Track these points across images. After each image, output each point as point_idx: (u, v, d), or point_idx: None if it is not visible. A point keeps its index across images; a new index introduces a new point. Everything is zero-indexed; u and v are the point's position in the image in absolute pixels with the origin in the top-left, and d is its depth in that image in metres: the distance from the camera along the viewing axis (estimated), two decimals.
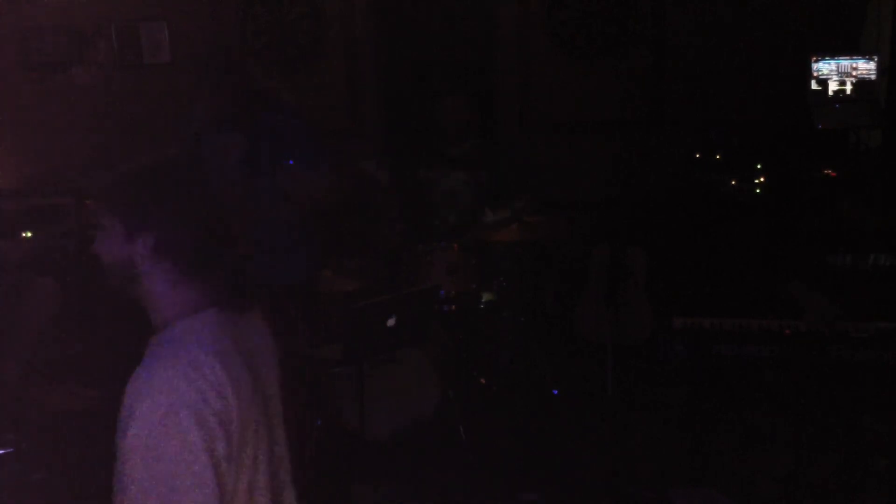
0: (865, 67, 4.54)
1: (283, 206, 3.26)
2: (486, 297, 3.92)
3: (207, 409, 1.44)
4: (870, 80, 4.54)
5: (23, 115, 5.04)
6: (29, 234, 4.30)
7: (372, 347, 2.78)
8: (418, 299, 2.94)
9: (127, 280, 1.58)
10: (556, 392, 4.09)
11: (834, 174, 4.29)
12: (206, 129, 3.32)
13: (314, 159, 3.26)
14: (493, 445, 3.67)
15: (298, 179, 3.22)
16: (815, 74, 4.57)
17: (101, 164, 4.79)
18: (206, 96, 3.19)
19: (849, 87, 4.56)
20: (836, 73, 4.57)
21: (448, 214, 4.26)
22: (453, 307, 3.86)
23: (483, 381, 4.08)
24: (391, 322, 2.75)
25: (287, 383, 1.74)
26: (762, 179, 4.45)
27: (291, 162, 3.18)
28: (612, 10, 4.92)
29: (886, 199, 3.02)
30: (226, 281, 1.60)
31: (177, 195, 1.61)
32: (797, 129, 4.59)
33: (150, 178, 1.62)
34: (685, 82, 4.90)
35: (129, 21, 5.07)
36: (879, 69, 4.52)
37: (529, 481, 3.39)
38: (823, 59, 4.57)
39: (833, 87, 4.57)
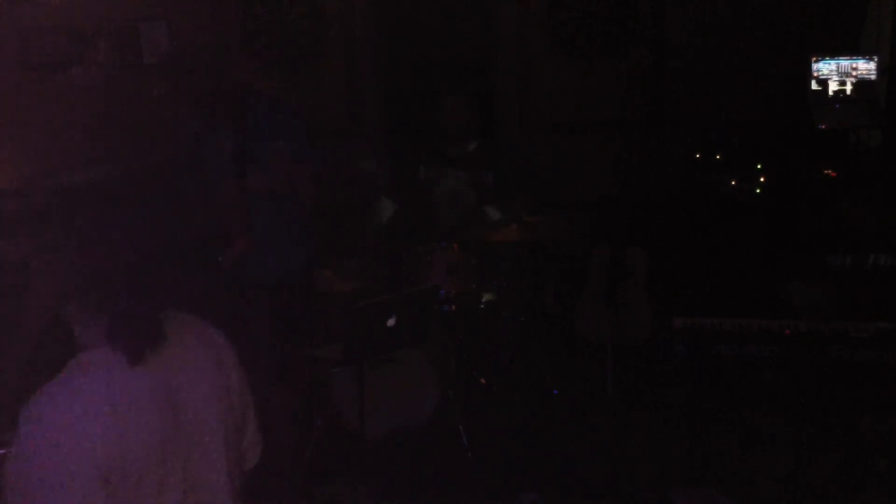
0: (865, 67, 4.54)
1: (279, 205, 3.25)
2: (486, 297, 3.92)
3: (92, 453, 1.43)
4: (870, 80, 4.54)
5: (23, 115, 5.04)
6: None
7: (372, 347, 2.78)
8: (418, 299, 2.94)
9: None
10: (556, 392, 4.09)
11: (834, 174, 4.29)
12: (201, 128, 3.33)
13: (302, 154, 3.26)
14: (493, 445, 3.67)
15: (284, 174, 3.21)
16: (815, 74, 4.57)
17: (101, 164, 4.79)
18: (200, 95, 3.19)
19: (849, 87, 4.56)
20: (836, 73, 4.57)
21: (448, 214, 4.26)
22: (453, 307, 3.86)
23: (483, 381, 4.08)
24: (391, 322, 2.75)
25: (228, 412, 1.69)
26: (762, 179, 4.45)
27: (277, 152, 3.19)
28: (612, 10, 4.92)
29: (886, 199, 3.02)
30: (120, 321, 1.51)
31: (79, 225, 1.54)
32: (797, 129, 4.59)
33: (65, 200, 1.58)
34: (685, 82, 4.90)
35: (128, 21, 5.07)
36: (879, 69, 4.53)
37: (529, 481, 3.39)
38: (823, 59, 4.57)
39: (833, 87, 4.57)
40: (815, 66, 4.57)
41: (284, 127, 3.24)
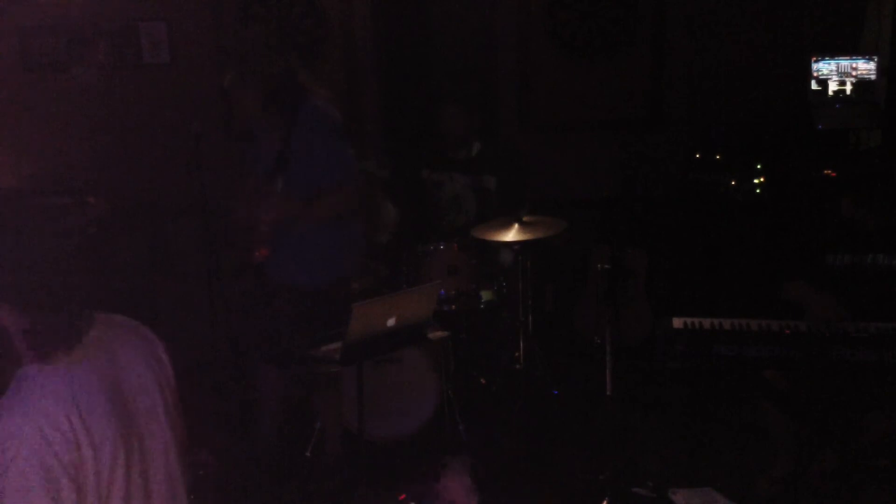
0: (865, 67, 4.54)
1: (314, 206, 3.22)
2: (486, 297, 3.92)
3: (54, 460, 1.43)
4: (870, 80, 4.54)
5: (23, 115, 5.03)
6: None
7: (372, 347, 2.78)
8: (418, 299, 2.94)
9: None
10: (556, 392, 4.09)
11: (834, 174, 4.29)
12: (250, 125, 3.31)
13: (343, 159, 3.25)
14: (493, 445, 3.67)
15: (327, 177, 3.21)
16: (815, 74, 4.57)
17: (100, 164, 4.79)
18: (249, 92, 3.18)
19: (849, 87, 4.56)
20: (836, 73, 4.57)
21: (448, 215, 4.26)
22: (453, 307, 3.86)
23: (483, 381, 4.08)
24: (391, 322, 2.75)
25: (169, 402, 1.75)
26: (762, 179, 4.45)
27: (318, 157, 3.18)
28: (612, 10, 4.92)
29: (886, 199, 3.02)
30: (36, 323, 1.52)
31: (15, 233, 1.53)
32: (797, 129, 4.59)
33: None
34: (685, 82, 4.90)
35: (128, 21, 5.07)
36: (879, 69, 4.53)
37: (529, 481, 3.40)
38: (823, 59, 4.57)
39: (833, 87, 4.58)
40: (815, 66, 4.57)
41: (329, 130, 3.23)
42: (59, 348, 1.54)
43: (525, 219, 3.78)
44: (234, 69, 3.18)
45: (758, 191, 4.45)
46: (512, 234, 3.71)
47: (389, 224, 4.34)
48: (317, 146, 3.18)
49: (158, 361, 1.76)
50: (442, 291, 3.78)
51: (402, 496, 3.29)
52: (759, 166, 4.47)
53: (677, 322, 2.91)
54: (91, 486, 1.49)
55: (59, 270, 1.55)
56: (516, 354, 4.09)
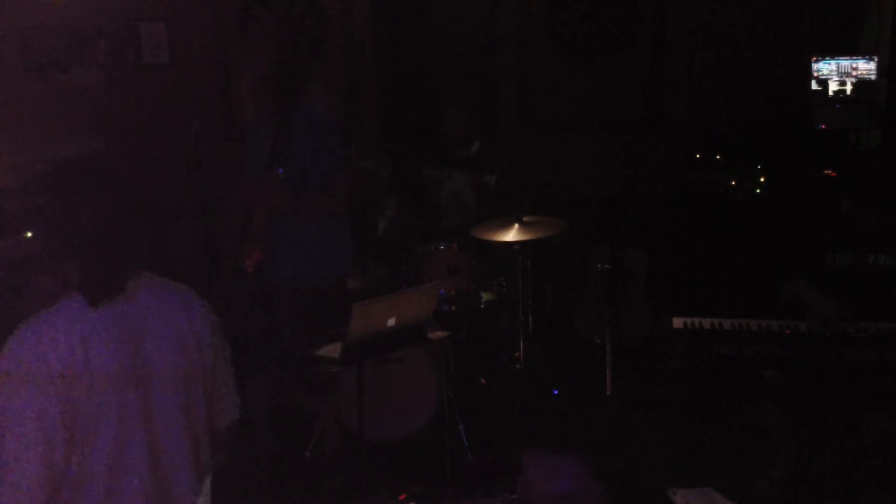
0: (865, 67, 4.54)
1: (307, 202, 3.24)
2: (486, 297, 3.92)
3: (50, 388, 1.65)
4: (870, 80, 4.54)
5: (23, 115, 5.04)
6: (29, 235, 4.29)
7: (372, 347, 2.78)
8: (418, 299, 2.94)
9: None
10: (556, 392, 4.09)
11: (834, 174, 4.29)
12: (246, 123, 3.34)
13: (337, 157, 3.27)
14: (493, 445, 3.67)
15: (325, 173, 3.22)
16: (815, 74, 4.57)
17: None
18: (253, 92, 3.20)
19: (849, 87, 4.56)
20: (836, 73, 4.57)
21: (449, 215, 4.26)
22: (453, 307, 3.86)
23: (483, 381, 4.08)
24: (391, 322, 2.74)
25: (191, 366, 1.89)
26: (762, 179, 4.45)
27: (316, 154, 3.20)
28: (612, 10, 4.92)
29: (886, 199, 3.02)
30: (90, 272, 1.80)
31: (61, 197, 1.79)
32: (797, 129, 4.59)
33: (51, 176, 1.81)
34: (685, 82, 4.90)
35: (128, 21, 5.07)
36: (879, 69, 4.53)
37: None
38: (823, 59, 4.57)
39: (833, 87, 4.57)
40: (815, 66, 4.57)
41: (324, 131, 3.25)
42: (98, 295, 1.78)
43: (525, 219, 3.78)
44: (234, 68, 3.22)
45: (758, 191, 4.45)
46: (512, 234, 3.71)
47: (389, 217, 4.34)
48: (311, 143, 3.19)
49: (192, 325, 1.88)
50: (442, 291, 3.78)
51: (403, 496, 3.29)
52: (759, 166, 4.47)
53: (677, 322, 2.91)
54: (82, 406, 1.68)
55: (111, 233, 1.82)
56: (516, 354, 4.09)
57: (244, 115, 3.38)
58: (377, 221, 4.41)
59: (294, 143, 3.21)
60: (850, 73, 4.56)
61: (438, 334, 3.47)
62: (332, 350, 3.05)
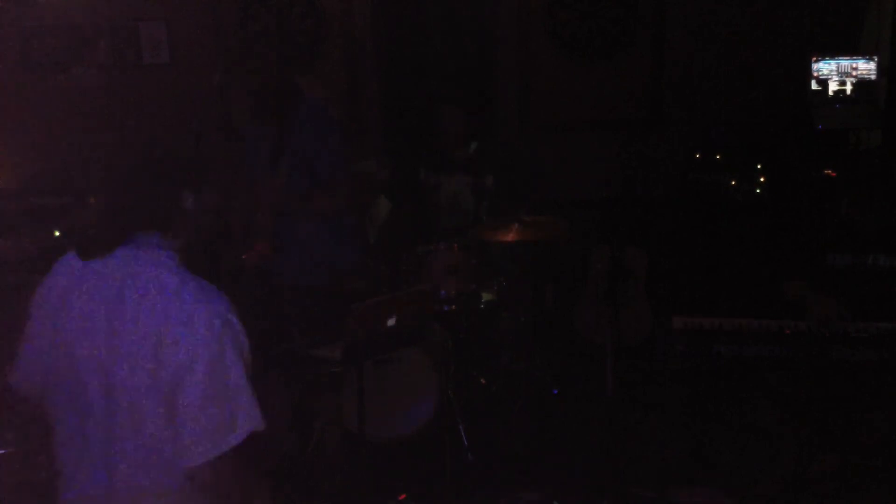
0: (865, 67, 4.54)
1: (315, 201, 3.26)
2: (486, 297, 3.92)
3: (56, 311, 1.86)
4: (870, 80, 4.54)
5: (23, 115, 5.04)
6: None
7: (372, 347, 2.78)
8: (418, 299, 2.94)
9: None
10: (556, 392, 4.09)
11: (834, 174, 4.29)
12: (242, 124, 3.34)
13: (339, 157, 3.27)
14: (493, 445, 3.67)
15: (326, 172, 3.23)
16: (815, 74, 4.57)
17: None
18: (241, 92, 3.20)
19: (849, 87, 4.56)
20: (836, 73, 4.57)
21: (449, 215, 4.26)
22: (453, 307, 3.86)
23: (483, 381, 4.08)
24: (391, 322, 2.74)
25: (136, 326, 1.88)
26: (762, 179, 4.45)
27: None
28: (612, 10, 4.92)
29: (886, 199, 3.02)
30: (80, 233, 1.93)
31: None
32: (797, 129, 4.59)
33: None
34: (685, 82, 4.90)
35: (128, 21, 5.08)
36: (879, 69, 4.53)
37: (530, 481, 3.39)
38: (823, 59, 4.57)
39: (833, 87, 4.57)
40: (815, 66, 4.57)
41: (325, 129, 3.25)
42: (90, 251, 1.89)
43: (525, 219, 3.78)
44: (228, 68, 3.22)
45: (758, 191, 4.45)
46: (512, 234, 3.71)
47: (381, 220, 4.35)
48: (311, 143, 3.20)
49: (181, 317, 1.86)
50: (442, 291, 3.78)
51: (403, 496, 3.29)
52: (759, 166, 4.47)
53: (677, 322, 2.91)
54: (63, 361, 1.82)
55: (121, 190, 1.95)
56: (516, 354, 4.09)
57: (240, 118, 3.39)
58: (376, 222, 4.42)
59: (295, 141, 3.22)
60: (850, 73, 4.56)
61: (438, 334, 3.48)
62: (332, 350, 3.06)
